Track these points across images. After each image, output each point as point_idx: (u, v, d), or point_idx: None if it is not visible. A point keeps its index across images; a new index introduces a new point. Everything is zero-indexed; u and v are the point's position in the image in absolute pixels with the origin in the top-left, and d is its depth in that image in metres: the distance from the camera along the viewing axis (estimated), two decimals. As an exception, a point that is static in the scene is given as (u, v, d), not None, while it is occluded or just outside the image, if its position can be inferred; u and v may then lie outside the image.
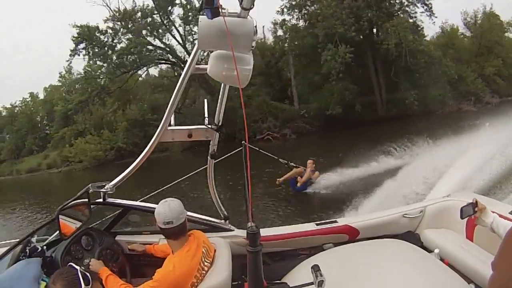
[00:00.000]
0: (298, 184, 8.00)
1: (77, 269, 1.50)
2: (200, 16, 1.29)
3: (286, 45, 19.53)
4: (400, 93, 18.71)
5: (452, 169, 5.81)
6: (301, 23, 19.85)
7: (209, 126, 1.97)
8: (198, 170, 3.50)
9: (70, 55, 23.17)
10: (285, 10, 20.35)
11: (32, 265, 1.81)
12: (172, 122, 1.94)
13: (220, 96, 1.91)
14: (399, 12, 18.80)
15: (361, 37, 18.44)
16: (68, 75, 33.20)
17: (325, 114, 17.69)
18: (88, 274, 1.51)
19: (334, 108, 17.45)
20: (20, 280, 1.70)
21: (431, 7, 19.40)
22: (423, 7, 19.32)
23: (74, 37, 22.57)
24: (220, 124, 2.00)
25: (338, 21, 17.11)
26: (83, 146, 23.46)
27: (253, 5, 1.25)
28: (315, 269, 1.41)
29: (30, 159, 38.33)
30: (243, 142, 2.45)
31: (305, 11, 19.85)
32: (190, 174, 4.16)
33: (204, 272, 1.81)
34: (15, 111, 43.27)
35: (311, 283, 1.40)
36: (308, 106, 18.62)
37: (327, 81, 17.77)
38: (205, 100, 2.15)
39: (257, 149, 6.68)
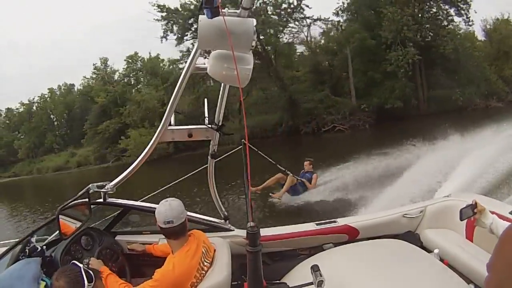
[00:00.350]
0: (277, 196, 6.79)
1: (80, 267, 1.51)
2: (200, 16, 1.29)
3: (346, 45, 21.11)
4: (441, 91, 20.65)
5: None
6: (356, 25, 21.45)
7: (209, 126, 1.97)
8: (198, 169, 3.50)
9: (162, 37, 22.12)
10: (340, 12, 22.45)
11: (31, 265, 1.81)
12: (172, 122, 1.94)
13: (220, 96, 1.91)
14: (448, 22, 21.66)
15: (424, 41, 20.48)
16: (104, 67, 33.36)
17: (383, 108, 19.33)
18: (91, 272, 1.52)
19: (395, 103, 19.30)
20: (19, 280, 1.70)
21: (469, 17, 21.99)
22: (462, 16, 21.98)
23: (161, 18, 21.59)
24: (220, 124, 2.00)
25: (405, 26, 19.44)
26: (140, 139, 22.60)
27: (253, 5, 1.25)
28: (315, 269, 1.41)
29: (53, 157, 37.71)
30: (242, 141, 2.44)
31: (358, 15, 21.98)
32: (190, 174, 4.16)
33: (203, 272, 1.81)
34: (33, 108, 42.28)
35: (311, 283, 1.39)
36: (367, 100, 20.07)
37: (387, 78, 19.82)
38: (205, 100, 2.15)
39: (256, 149, 6.53)
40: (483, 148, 6.15)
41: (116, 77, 32.83)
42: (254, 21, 1.34)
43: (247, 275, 1.30)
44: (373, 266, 1.77)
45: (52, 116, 41.58)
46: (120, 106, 26.88)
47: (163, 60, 31.97)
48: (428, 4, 21.17)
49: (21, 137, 42.98)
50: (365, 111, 19.78)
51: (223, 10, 1.23)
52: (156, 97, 26.50)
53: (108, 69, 33.50)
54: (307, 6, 21.11)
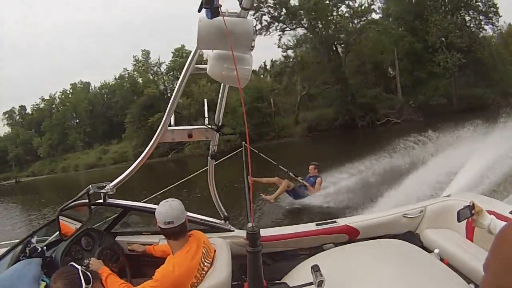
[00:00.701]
0: (268, 198, 6.51)
1: (78, 269, 1.50)
2: (199, 16, 1.29)
3: (394, 48, 23.62)
4: (470, 89, 22.75)
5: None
6: (402, 29, 24.12)
7: (209, 126, 1.97)
8: (199, 172, 3.50)
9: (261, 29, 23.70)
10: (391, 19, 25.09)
11: (32, 265, 1.81)
12: (172, 122, 1.94)
13: (220, 96, 1.91)
14: (479, 29, 24.63)
15: (466, 46, 22.94)
16: (146, 59, 33.07)
17: (427, 104, 21.68)
18: (89, 274, 1.51)
19: (439, 99, 21.92)
20: (20, 280, 1.70)
21: (497, 25, 25.29)
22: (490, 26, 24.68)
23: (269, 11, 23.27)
24: (220, 124, 2.00)
25: (451, 33, 22.33)
26: None
27: (253, 5, 1.25)
28: (315, 269, 1.41)
29: (78, 155, 37.12)
30: (243, 143, 2.45)
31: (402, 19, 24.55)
32: (191, 176, 4.16)
33: (204, 272, 1.81)
34: (54, 105, 41.32)
35: (311, 283, 1.40)
36: (412, 97, 22.48)
37: (431, 78, 22.50)
38: (205, 100, 2.15)
39: (257, 152, 6.49)
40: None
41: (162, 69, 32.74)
42: (254, 22, 1.35)
43: (248, 275, 1.30)
44: (373, 266, 1.77)
45: (73, 113, 40.90)
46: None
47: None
48: (462, 13, 24.35)
49: (36, 135, 41.96)
50: (412, 107, 22.08)
51: (223, 11, 1.24)
52: (213, 89, 26.02)
53: (150, 62, 33.06)
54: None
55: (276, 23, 24.35)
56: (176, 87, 1.78)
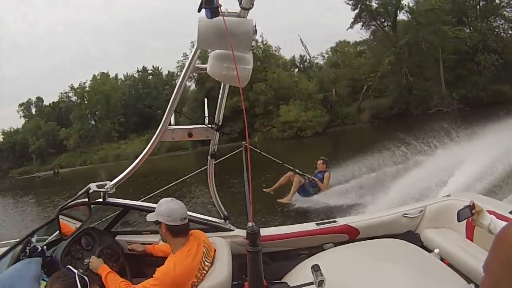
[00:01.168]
0: (285, 201, 6.28)
1: (74, 273, 1.50)
2: (199, 16, 1.29)
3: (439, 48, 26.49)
4: (496, 85, 25.22)
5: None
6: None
7: (209, 125, 1.97)
8: (198, 170, 3.50)
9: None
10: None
11: (32, 265, 1.81)
12: (173, 121, 1.94)
13: (220, 96, 1.91)
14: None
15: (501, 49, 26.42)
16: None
17: (467, 97, 24.81)
18: (85, 278, 1.51)
19: (477, 93, 25.02)
20: (20, 280, 1.70)
21: None
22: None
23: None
24: (220, 123, 2.00)
25: (489, 37, 26.26)
26: (288, 114, 25.32)
27: (253, 5, 1.25)
28: (315, 269, 1.41)
29: (117, 145, 36.16)
30: (243, 143, 2.45)
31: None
32: (191, 174, 4.17)
33: (204, 272, 1.81)
34: (84, 93, 39.57)
35: (311, 283, 1.40)
36: (454, 91, 25.62)
37: (471, 75, 26.16)
38: (205, 100, 2.15)
39: (258, 151, 6.47)
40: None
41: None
42: (254, 21, 1.35)
43: (248, 275, 1.30)
44: (373, 266, 1.77)
45: (110, 101, 39.34)
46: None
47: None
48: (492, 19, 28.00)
49: (59, 126, 40.58)
50: (455, 99, 25.29)
51: (222, 10, 1.23)
52: (287, 76, 29.50)
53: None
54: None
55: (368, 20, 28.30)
56: (177, 86, 1.78)
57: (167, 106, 1.85)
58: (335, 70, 31.41)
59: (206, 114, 2.01)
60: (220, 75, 1.49)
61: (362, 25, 28.64)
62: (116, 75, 42.50)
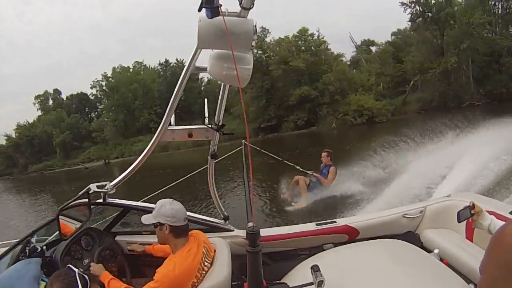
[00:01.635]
0: (300, 206, 6.04)
1: (75, 271, 1.49)
2: (199, 15, 1.29)
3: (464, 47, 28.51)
4: None
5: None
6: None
7: (209, 126, 1.97)
8: (198, 170, 3.50)
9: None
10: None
11: (31, 265, 1.81)
12: (173, 122, 1.94)
13: (220, 96, 1.91)
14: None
15: None
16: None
17: (492, 93, 27.51)
18: (86, 277, 1.51)
19: (500, 89, 27.55)
20: (19, 280, 1.70)
21: None
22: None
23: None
24: (220, 124, 2.00)
25: None
26: (358, 102, 27.66)
27: (253, 5, 1.25)
28: (315, 269, 1.41)
29: (151, 136, 35.22)
30: (243, 141, 2.44)
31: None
32: (190, 174, 4.16)
33: (204, 272, 1.81)
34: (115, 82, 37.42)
35: (311, 283, 1.40)
36: (481, 88, 28.33)
37: (496, 74, 28.53)
38: (205, 100, 2.14)
39: (258, 148, 6.44)
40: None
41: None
42: (254, 21, 1.34)
43: (247, 275, 1.30)
44: (373, 266, 1.77)
45: (149, 90, 37.39)
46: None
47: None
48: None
49: (84, 118, 38.98)
50: (482, 94, 27.97)
51: (223, 10, 1.23)
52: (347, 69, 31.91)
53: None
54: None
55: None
56: (177, 86, 1.78)
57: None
58: (382, 65, 33.69)
59: (206, 114, 2.01)
60: (220, 75, 1.49)
61: (415, 29, 31.04)
62: (149, 65, 40.97)
